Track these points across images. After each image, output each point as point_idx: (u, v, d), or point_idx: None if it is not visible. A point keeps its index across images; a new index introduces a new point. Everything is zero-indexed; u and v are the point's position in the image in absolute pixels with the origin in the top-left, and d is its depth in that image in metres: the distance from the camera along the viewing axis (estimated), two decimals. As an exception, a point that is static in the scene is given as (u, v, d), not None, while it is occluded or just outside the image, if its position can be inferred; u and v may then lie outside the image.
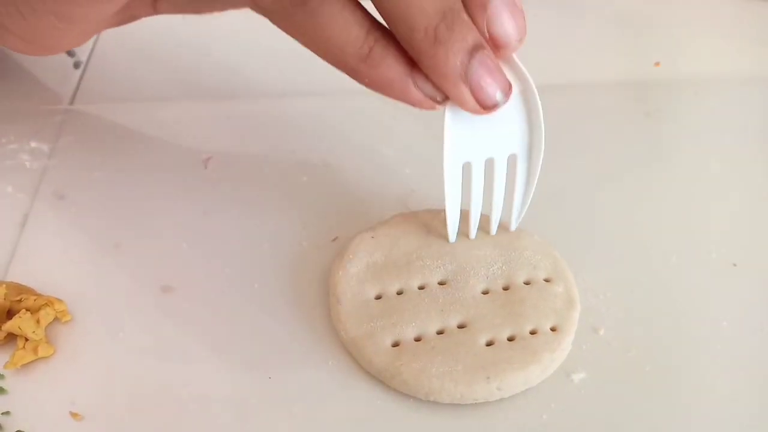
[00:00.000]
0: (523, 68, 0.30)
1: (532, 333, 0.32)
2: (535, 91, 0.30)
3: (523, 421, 0.31)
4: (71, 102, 0.44)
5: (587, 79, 0.46)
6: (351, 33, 0.27)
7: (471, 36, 0.28)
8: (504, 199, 0.33)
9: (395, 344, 0.31)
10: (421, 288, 0.33)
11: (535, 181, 0.32)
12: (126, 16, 0.36)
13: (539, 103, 0.30)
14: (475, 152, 0.31)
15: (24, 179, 0.39)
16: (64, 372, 0.32)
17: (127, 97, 0.44)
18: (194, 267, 0.36)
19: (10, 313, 0.33)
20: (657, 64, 0.47)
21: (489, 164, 0.32)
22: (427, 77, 0.28)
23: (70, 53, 0.47)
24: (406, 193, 0.38)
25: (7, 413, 0.31)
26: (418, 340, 0.31)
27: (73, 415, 0.31)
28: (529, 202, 0.33)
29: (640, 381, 0.32)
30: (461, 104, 0.29)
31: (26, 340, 0.32)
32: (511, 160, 0.32)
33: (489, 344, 0.31)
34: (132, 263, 0.36)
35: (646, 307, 0.34)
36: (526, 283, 0.33)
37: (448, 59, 0.27)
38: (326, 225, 0.37)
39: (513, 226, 0.34)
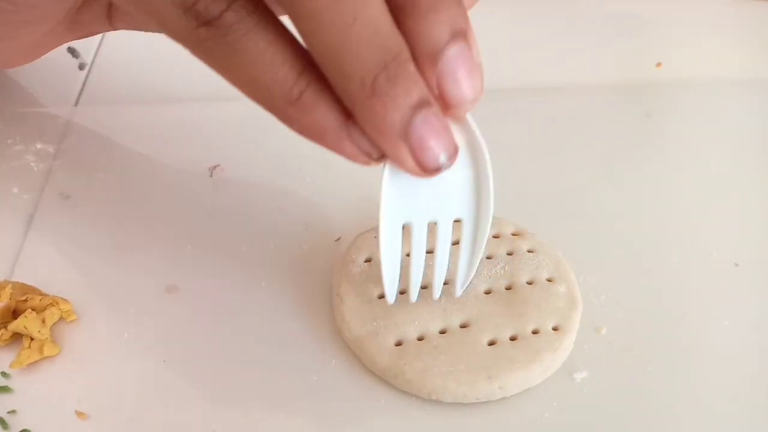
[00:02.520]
0: (474, 125, 0.27)
1: (534, 332, 0.32)
2: (486, 151, 0.27)
3: (525, 420, 0.31)
4: (76, 103, 0.44)
5: (588, 80, 0.46)
6: (278, 73, 0.24)
7: (416, 91, 0.24)
8: (447, 264, 0.30)
9: (398, 343, 0.31)
10: (423, 287, 0.33)
11: (482, 249, 0.30)
12: (83, 33, 0.36)
13: (489, 165, 0.27)
14: (415, 214, 0.28)
15: (29, 180, 0.40)
16: (70, 371, 0.32)
17: (131, 98, 0.45)
18: (199, 267, 0.36)
19: (15, 313, 0.33)
20: (658, 65, 0.47)
21: (432, 227, 0.29)
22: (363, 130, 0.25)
23: (75, 54, 0.47)
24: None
25: (12, 412, 0.31)
26: (420, 339, 0.31)
27: (79, 414, 0.31)
28: (475, 270, 0.31)
29: (642, 380, 0.32)
30: (400, 165, 0.25)
31: (32, 339, 0.32)
32: (457, 225, 0.29)
33: (491, 344, 0.31)
34: (137, 263, 0.36)
35: (647, 306, 0.34)
36: (529, 283, 0.33)
37: (387, 115, 0.23)
38: (329, 225, 0.37)
39: (458, 293, 0.32)
